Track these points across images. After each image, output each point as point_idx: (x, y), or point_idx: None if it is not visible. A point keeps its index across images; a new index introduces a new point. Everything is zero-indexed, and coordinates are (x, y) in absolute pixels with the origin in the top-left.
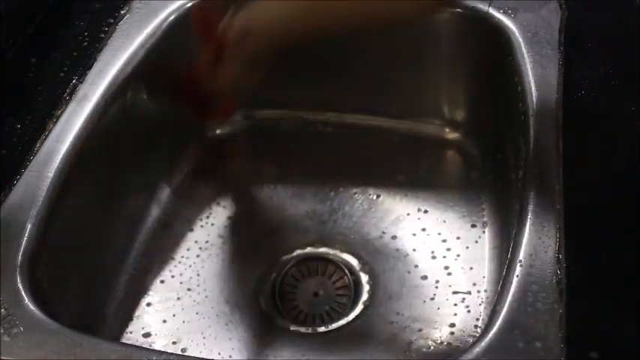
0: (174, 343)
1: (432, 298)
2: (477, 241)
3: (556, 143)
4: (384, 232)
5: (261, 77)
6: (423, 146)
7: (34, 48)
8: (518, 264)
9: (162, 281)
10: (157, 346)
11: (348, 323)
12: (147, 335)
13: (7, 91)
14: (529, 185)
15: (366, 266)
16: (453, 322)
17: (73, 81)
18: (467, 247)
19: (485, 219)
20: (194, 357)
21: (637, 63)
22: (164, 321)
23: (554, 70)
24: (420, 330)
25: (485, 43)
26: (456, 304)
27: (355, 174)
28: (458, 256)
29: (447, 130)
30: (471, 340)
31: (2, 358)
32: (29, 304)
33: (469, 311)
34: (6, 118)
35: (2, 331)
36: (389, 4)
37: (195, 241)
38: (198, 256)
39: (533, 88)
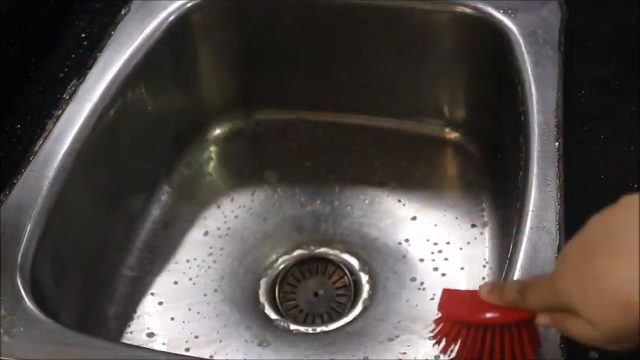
0: (175, 343)
1: (432, 298)
2: (476, 241)
3: (556, 143)
4: (384, 232)
5: None
6: (422, 146)
7: (34, 48)
8: (519, 264)
9: (162, 281)
10: (159, 346)
11: (348, 323)
12: (150, 335)
13: (7, 91)
14: (529, 185)
15: (365, 266)
16: None
17: (73, 81)
18: (467, 247)
19: (485, 219)
20: (194, 357)
21: (637, 63)
22: (165, 321)
23: (554, 70)
24: (420, 330)
25: (485, 43)
26: None
27: (355, 174)
28: (458, 255)
29: (447, 130)
30: None
31: (2, 358)
32: (29, 304)
33: None
34: (6, 118)
35: (2, 331)
36: None
37: (195, 242)
38: (197, 256)
39: (533, 88)
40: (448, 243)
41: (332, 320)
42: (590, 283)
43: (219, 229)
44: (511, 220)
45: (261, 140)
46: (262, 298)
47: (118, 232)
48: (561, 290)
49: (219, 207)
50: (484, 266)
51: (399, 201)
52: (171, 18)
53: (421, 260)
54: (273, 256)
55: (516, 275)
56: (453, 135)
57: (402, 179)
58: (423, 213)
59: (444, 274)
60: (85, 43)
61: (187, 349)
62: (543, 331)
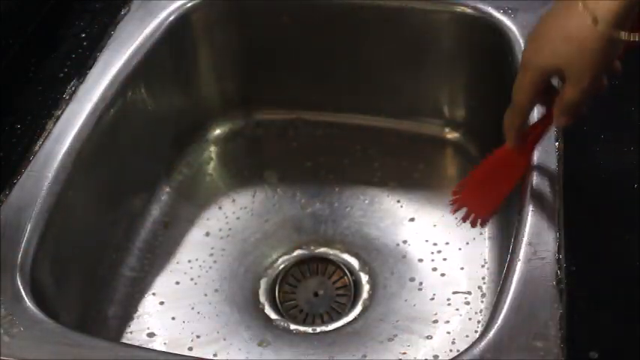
0: (176, 343)
1: (432, 298)
2: (475, 241)
3: (556, 143)
4: (384, 233)
5: None
6: (422, 146)
7: (34, 48)
8: (518, 264)
9: (162, 281)
10: (159, 346)
11: (348, 323)
12: (151, 335)
13: (7, 91)
14: (529, 185)
15: (365, 266)
16: (452, 321)
17: (73, 81)
18: (466, 247)
19: None
20: (194, 357)
21: (637, 63)
22: (166, 321)
23: None
24: (420, 330)
25: (485, 43)
26: (455, 304)
27: (355, 174)
28: (457, 256)
29: (447, 130)
30: (470, 339)
31: (2, 358)
32: (29, 304)
33: (469, 311)
34: (6, 118)
35: (2, 331)
36: None
37: (196, 242)
38: (198, 256)
39: None
40: (447, 243)
41: (332, 320)
42: (544, 41)
43: (218, 229)
44: (510, 220)
45: (261, 140)
46: (262, 298)
47: (118, 232)
48: (528, 60)
49: (219, 207)
50: (483, 266)
51: (399, 201)
52: (172, 18)
53: (420, 260)
54: (274, 256)
55: (515, 276)
56: (453, 135)
57: (402, 179)
58: (422, 213)
59: (443, 274)
60: (85, 43)
61: (190, 349)
62: (543, 332)
